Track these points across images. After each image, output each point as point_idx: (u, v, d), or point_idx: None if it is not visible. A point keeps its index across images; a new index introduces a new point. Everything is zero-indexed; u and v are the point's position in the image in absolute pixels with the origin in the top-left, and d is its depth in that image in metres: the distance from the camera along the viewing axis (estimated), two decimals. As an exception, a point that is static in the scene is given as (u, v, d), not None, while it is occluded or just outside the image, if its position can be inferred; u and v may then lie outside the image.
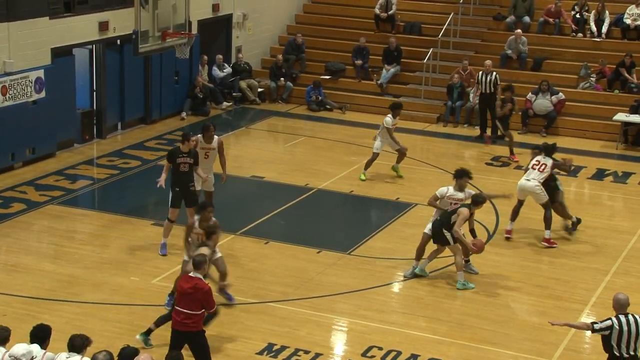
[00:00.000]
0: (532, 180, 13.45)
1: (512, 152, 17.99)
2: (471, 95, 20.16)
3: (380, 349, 10.39)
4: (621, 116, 19.20)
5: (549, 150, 13.70)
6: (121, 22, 18.00)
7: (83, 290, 11.58)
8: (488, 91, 19.00)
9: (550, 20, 21.81)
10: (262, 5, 22.90)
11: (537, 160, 13.59)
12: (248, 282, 12.02)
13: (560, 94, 19.88)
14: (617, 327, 8.47)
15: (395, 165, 16.56)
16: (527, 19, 22.15)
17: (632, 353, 8.52)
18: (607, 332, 8.53)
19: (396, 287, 12.27)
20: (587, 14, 21.71)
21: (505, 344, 10.64)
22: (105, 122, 18.53)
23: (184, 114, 20.27)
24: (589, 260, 13.13)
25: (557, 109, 19.88)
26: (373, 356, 10.25)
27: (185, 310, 8.94)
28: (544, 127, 19.87)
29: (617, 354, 8.53)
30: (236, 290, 11.69)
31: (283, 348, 10.30)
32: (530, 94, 19.98)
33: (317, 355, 10.21)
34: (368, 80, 22.01)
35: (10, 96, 15.82)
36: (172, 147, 17.90)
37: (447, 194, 12.23)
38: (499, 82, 18.94)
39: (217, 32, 21.88)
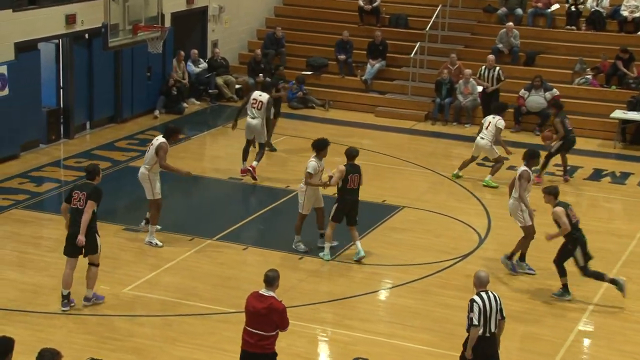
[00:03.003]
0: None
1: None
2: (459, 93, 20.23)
3: (366, 360, 10.33)
4: (619, 113, 19.28)
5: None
6: (89, 14, 17.87)
7: (49, 301, 11.46)
8: (486, 88, 19.30)
9: (540, 5, 21.83)
10: (239, -4, 22.85)
11: (254, 99, 15.82)
12: (226, 290, 11.95)
13: (555, 90, 19.94)
14: (481, 304, 8.80)
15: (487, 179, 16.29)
16: (519, 11, 22.22)
17: (492, 330, 8.88)
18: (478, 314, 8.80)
19: (383, 294, 12.24)
20: (582, 5, 21.82)
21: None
22: (72, 121, 18.40)
23: (157, 112, 20.17)
24: (586, 265, 13.15)
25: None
26: (359, 368, 10.19)
27: (259, 332, 8.59)
28: (537, 125, 19.92)
29: (480, 334, 8.82)
30: (213, 299, 11.63)
31: (263, 360, 10.23)
32: (523, 90, 20.02)
33: (300, 367, 10.17)
34: (352, 76, 22.00)
35: (-30, 94, 15.68)
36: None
37: (320, 167, 12.88)
38: (502, 78, 19.40)
39: (191, 25, 21.80)
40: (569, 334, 11.16)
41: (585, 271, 11.85)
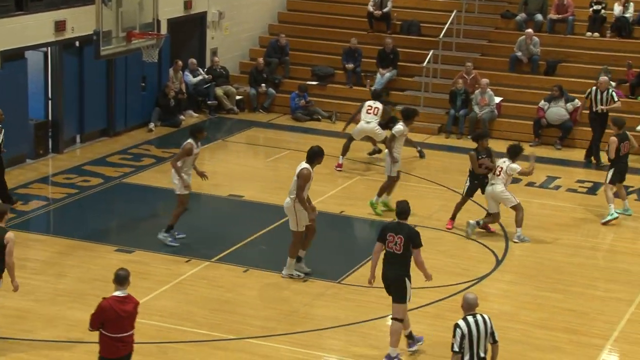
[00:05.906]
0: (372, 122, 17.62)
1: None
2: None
3: (374, 391, 10.35)
4: (645, 126, 19.27)
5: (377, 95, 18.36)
6: (80, 21, 18.00)
7: (35, 327, 11.49)
8: (599, 110, 18.53)
9: (559, 16, 21.88)
10: (240, 2, 22.96)
11: (369, 106, 17.74)
12: (224, 315, 11.96)
13: (577, 100, 19.97)
14: (465, 329, 8.86)
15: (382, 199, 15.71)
16: (539, 17, 22.29)
17: (481, 356, 8.94)
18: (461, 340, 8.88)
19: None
20: (605, 10, 21.85)
21: (516, 384, 10.62)
22: (62, 135, 18.49)
23: (152, 125, 20.26)
24: (610, 289, 13.13)
25: (574, 117, 19.97)
26: (366, 399, 10.20)
27: (131, 332, 9.19)
28: (558, 139, 19.94)
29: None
30: (211, 324, 11.66)
31: (264, 391, 10.26)
32: (542, 101, 20.06)
33: (303, 398, 10.17)
34: (360, 87, 22.06)
35: (-47, 105, 15.76)
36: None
37: None
38: (616, 100, 18.57)
39: (189, 32, 21.93)
40: (592, 363, 11.16)
41: None
